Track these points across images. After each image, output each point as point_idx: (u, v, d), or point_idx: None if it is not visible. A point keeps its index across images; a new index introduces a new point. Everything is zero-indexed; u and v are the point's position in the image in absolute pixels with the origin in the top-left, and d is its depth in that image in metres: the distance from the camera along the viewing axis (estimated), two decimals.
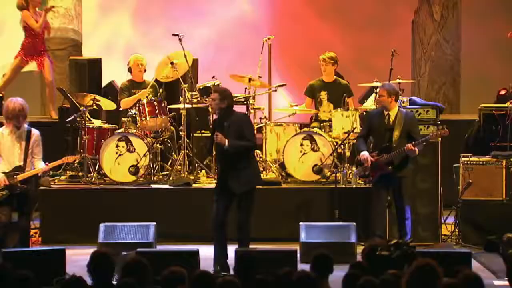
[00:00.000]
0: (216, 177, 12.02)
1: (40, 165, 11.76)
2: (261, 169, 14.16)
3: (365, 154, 12.46)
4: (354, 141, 13.69)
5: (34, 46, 15.68)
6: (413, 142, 12.28)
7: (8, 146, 11.73)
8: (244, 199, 11.61)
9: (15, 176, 11.63)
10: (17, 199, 11.71)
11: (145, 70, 14.60)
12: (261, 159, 14.24)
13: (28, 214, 11.93)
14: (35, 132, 11.83)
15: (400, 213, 12.48)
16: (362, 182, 13.35)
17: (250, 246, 11.19)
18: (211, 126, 11.49)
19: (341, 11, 18.16)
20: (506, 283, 8.42)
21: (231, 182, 11.54)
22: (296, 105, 14.55)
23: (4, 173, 11.66)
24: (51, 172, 13.72)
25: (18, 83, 16.13)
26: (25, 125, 11.75)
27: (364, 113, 14.07)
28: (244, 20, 18.00)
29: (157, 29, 17.73)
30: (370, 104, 14.43)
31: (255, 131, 13.98)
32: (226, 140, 11.26)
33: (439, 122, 13.39)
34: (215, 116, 11.92)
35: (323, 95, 14.49)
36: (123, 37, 17.98)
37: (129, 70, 14.58)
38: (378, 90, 12.69)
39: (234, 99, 12.05)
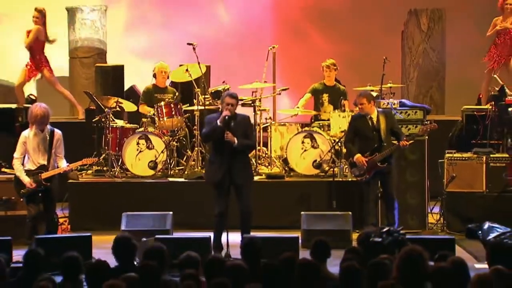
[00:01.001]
0: (209, 169, 11.91)
1: (62, 163, 11.70)
2: (266, 164, 14.22)
3: (359, 157, 12.41)
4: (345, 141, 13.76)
5: (37, 57, 15.69)
6: (405, 138, 12.29)
7: (33, 147, 11.65)
8: (246, 188, 11.62)
9: (39, 175, 11.61)
10: (41, 194, 11.68)
11: (168, 77, 14.60)
12: (266, 155, 14.27)
13: (52, 206, 11.87)
14: (57, 132, 11.77)
15: (389, 205, 12.48)
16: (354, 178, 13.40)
17: (255, 233, 11.15)
18: (220, 125, 11.42)
19: (338, 23, 18.11)
20: (486, 266, 8.42)
21: (237, 174, 11.49)
22: (298, 107, 14.60)
23: (29, 170, 11.61)
24: (79, 167, 13.74)
25: (49, 88, 16.11)
26: (48, 126, 11.70)
27: (351, 118, 14.09)
28: (252, 30, 17.97)
29: (173, 38, 17.71)
30: None
31: (261, 131, 14.20)
32: (235, 139, 11.28)
33: (426, 122, 13.38)
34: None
35: (325, 97, 14.51)
36: (144, 45, 17.94)
37: (154, 76, 14.60)
38: (359, 100, 12.52)
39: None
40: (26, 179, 11.57)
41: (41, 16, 15.54)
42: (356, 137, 12.58)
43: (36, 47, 15.62)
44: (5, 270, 7.65)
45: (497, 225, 12.10)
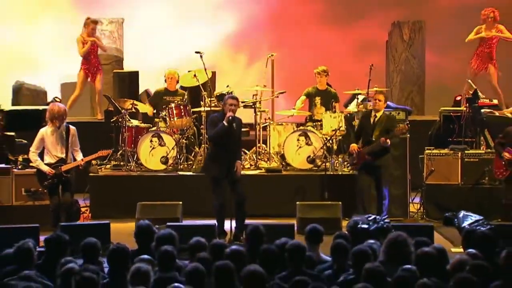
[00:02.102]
0: (212, 165, 11.93)
1: (79, 156, 11.70)
2: (266, 159, 14.22)
3: (354, 145, 12.55)
4: (340, 138, 13.79)
5: (92, 64, 15.70)
6: (385, 136, 12.29)
7: (52, 142, 11.65)
8: (240, 181, 11.74)
9: (59, 167, 11.60)
10: (62, 185, 11.66)
11: (177, 82, 14.60)
12: (265, 152, 14.26)
13: (71, 196, 11.83)
14: (72, 128, 11.78)
15: (379, 196, 12.48)
16: (347, 170, 13.39)
17: (255, 221, 11.12)
18: (225, 124, 11.47)
19: (330, 34, 18.10)
20: (461, 249, 8.43)
21: (233, 168, 11.64)
22: (294, 109, 14.60)
23: (50, 164, 11.60)
24: (98, 162, 13.74)
25: (72, 91, 16.11)
26: (64, 123, 11.72)
27: (348, 114, 14.11)
28: (252, 40, 17.96)
29: (182, 46, 17.70)
30: (353, 107, 14.45)
31: (261, 130, 14.24)
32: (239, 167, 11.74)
33: (408, 122, 13.39)
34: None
35: (318, 100, 14.49)
36: (156, 53, 17.92)
37: (165, 80, 14.60)
38: (375, 96, 12.60)
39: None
40: (45, 168, 11.61)
41: (96, 27, 15.68)
42: (360, 130, 12.72)
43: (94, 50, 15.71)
44: (33, 254, 7.65)
45: (471, 214, 12.08)
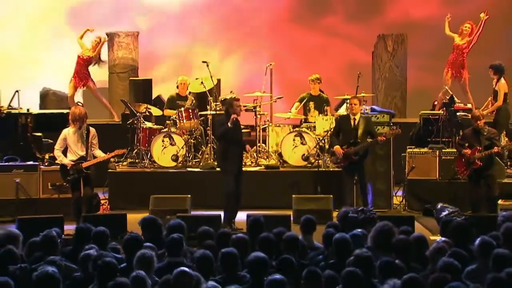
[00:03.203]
0: (227, 162, 11.95)
1: (98, 154, 11.68)
2: (265, 157, 14.21)
3: (338, 148, 12.38)
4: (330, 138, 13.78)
5: (83, 72, 15.57)
6: (381, 136, 12.27)
7: (74, 141, 11.64)
8: (242, 175, 11.86)
9: (80, 164, 11.59)
10: (82, 180, 11.65)
11: (187, 88, 14.61)
12: (265, 150, 14.26)
13: (90, 190, 11.81)
14: (92, 129, 11.77)
15: (363, 189, 12.47)
16: (336, 167, 13.39)
17: (255, 212, 11.09)
18: (230, 125, 11.56)
19: (323, 46, 18.11)
20: (439, 237, 8.43)
21: (241, 166, 11.89)
22: (290, 112, 14.60)
23: (71, 161, 11.60)
24: (116, 159, 13.74)
25: (91, 96, 16.09)
26: (85, 124, 11.72)
27: (338, 117, 14.08)
28: (253, 50, 17.96)
29: (191, 56, 17.72)
30: (343, 111, 14.42)
31: (261, 131, 14.24)
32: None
33: (391, 123, 13.41)
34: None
35: (311, 104, 14.49)
36: (168, 62, 17.92)
37: (177, 86, 14.61)
38: (351, 101, 12.55)
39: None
40: (66, 161, 11.62)
41: (101, 44, 15.52)
42: (340, 132, 12.54)
43: (83, 65, 15.57)
44: (58, 241, 7.64)
45: (447, 206, 12.09)
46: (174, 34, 18.16)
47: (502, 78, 13.78)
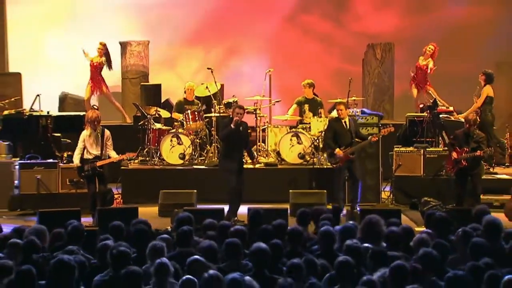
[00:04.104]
0: (226, 162, 11.97)
1: (112, 154, 11.66)
2: (264, 155, 14.23)
3: (339, 150, 12.24)
4: (323, 141, 13.72)
5: (97, 78, 15.52)
6: (373, 135, 12.27)
7: (90, 142, 11.63)
8: (243, 173, 11.86)
9: (95, 162, 11.60)
10: (97, 177, 11.65)
11: (193, 93, 14.63)
12: (264, 149, 14.28)
13: (104, 186, 11.82)
14: (107, 131, 11.76)
15: (355, 186, 12.47)
16: (330, 165, 13.38)
17: (255, 206, 11.11)
18: (233, 127, 11.61)
19: (317, 53, 18.12)
20: (423, 228, 8.46)
21: (242, 164, 11.88)
22: (287, 114, 14.64)
23: (88, 159, 11.58)
24: (128, 157, 13.74)
25: (106, 100, 16.11)
26: (100, 126, 11.72)
27: (330, 121, 14.07)
28: (254, 58, 17.97)
29: (197, 63, 17.74)
30: (335, 113, 14.40)
31: (260, 131, 14.26)
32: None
33: (380, 125, 13.42)
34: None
35: (306, 107, 14.52)
36: (176, 69, 17.94)
37: (184, 92, 14.63)
38: (338, 106, 12.45)
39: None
40: (76, 162, 11.64)
41: (104, 48, 15.52)
42: (335, 135, 12.45)
43: (96, 70, 15.58)
44: (83, 233, 7.69)
45: (431, 199, 12.12)
46: (182, 43, 18.18)
47: (489, 85, 13.91)
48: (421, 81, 15.38)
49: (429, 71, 15.15)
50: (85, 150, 11.65)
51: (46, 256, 6.94)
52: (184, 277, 5.97)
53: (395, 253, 6.95)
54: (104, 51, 15.48)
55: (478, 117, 12.66)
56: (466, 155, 11.73)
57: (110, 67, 15.63)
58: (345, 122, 12.37)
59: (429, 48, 15.18)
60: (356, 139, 12.39)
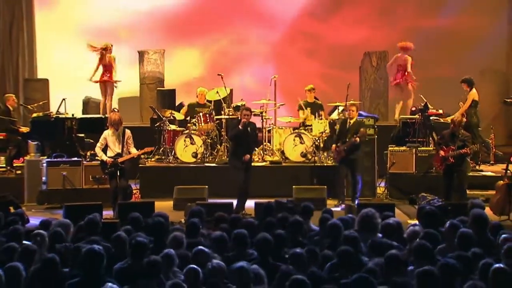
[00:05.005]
0: (235, 160, 11.95)
1: (133, 151, 11.67)
2: (270, 154, 14.22)
3: (333, 146, 12.60)
4: (325, 138, 13.75)
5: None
6: (354, 136, 12.28)
7: (112, 141, 11.66)
8: (250, 168, 11.84)
9: (117, 159, 11.61)
10: (119, 173, 11.65)
11: (204, 97, 14.62)
12: (270, 148, 14.27)
13: (125, 181, 11.82)
14: (127, 131, 11.78)
15: (354, 181, 12.48)
16: (330, 162, 13.39)
17: (262, 200, 11.09)
18: (241, 128, 11.60)
19: (317, 61, 18.10)
20: (415, 221, 8.44)
21: (249, 162, 11.81)
22: (291, 116, 14.63)
23: (110, 157, 11.61)
24: (146, 156, 13.75)
25: (127, 103, 16.11)
26: (122, 127, 11.73)
27: (331, 121, 14.10)
28: (260, 65, 17.97)
29: (208, 70, 17.73)
30: (335, 116, 14.46)
31: (266, 132, 14.28)
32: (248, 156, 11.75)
33: (375, 126, 13.39)
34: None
35: (308, 110, 14.48)
36: (189, 76, 17.94)
37: (197, 96, 14.63)
38: (349, 107, 12.61)
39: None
40: (105, 157, 11.62)
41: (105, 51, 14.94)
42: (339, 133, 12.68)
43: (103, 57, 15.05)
44: (99, 224, 7.69)
45: (428, 195, 12.04)
46: (194, 51, 18.18)
47: (474, 89, 13.86)
48: (398, 76, 15.45)
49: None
50: (108, 149, 11.67)
51: (68, 246, 6.94)
52: (188, 266, 5.95)
53: (394, 242, 6.95)
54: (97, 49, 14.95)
55: (464, 119, 12.62)
56: (452, 152, 11.73)
57: (104, 54, 14.89)
58: (349, 122, 12.41)
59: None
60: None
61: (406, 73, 15.29)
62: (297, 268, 6.12)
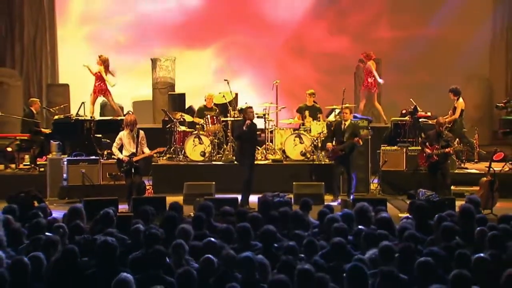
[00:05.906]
0: (242, 157, 11.95)
1: (146, 150, 11.67)
2: (272, 153, 14.18)
3: (329, 144, 12.57)
4: (323, 139, 13.71)
5: (101, 87, 14.80)
6: (356, 138, 12.26)
7: (127, 141, 11.66)
8: (254, 168, 11.86)
9: (132, 158, 11.59)
10: (133, 170, 11.63)
11: (212, 101, 14.59)
12: (272, 148, 14.23)
13: (139, 178, 11.81)
14: (141, 132, 11.77)
15: (349, 178, 12.45)
16: (328, 161, 13.35)
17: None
18: (245, 129, 11.59)
19: (316, 66, 18.06)
20: (406, 214, 8.40)
21: (254, 160, 11.89)
22: (291, 119, 14.60)
23: (125, 156, 11.61)
24: (158, 155, 13.72)
25: (141, 106, 16.08)
26: (136, 128, 11.70)
27: (329, 122, 14.06)
28: (262, 71, 17.92)
29: (215, 76, 17.70)
30: (332, 118, 14.42)
31: (269, 133, 14.20)
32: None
33: (369, 127, 13.36)
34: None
35: (307, 113, 14.44)
36: (198, 81, 17.91)
37: (205, 100, 14.59)
38: (344, 110, 12.61)
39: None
40: (121, 156, 11.62)
41: (101, 60, 14.67)
42: (334, 134, 12.66)
43: (99, 78, 14.74)
44: (113, 217, 7.66)
45: (425, 190, 11.95)
46: (202, 58, 18.16)
47: (461, 98, 13.81)
48: (365, 82, 15.60)
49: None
50: (123, 148, 11.65)
51: (87, 238, 6.92)
52: (204, 256, 5.94)
53: (385, 232, 6.92)
54: (103, 61, 14.78)
55: (451, 126, 12.70)
56: (437, 151, 11.79)
57: (107, 71, 14.70)
58: (344, 124, 12.38)
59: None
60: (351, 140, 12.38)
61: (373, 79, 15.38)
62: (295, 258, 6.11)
